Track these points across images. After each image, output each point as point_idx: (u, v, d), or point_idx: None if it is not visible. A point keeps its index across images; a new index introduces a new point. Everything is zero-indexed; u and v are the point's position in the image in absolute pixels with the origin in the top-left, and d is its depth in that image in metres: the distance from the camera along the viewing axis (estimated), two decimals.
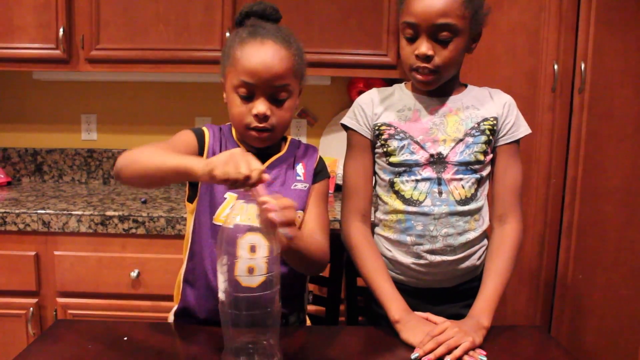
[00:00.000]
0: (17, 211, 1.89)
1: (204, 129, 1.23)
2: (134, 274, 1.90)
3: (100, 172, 2.51)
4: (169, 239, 1.91)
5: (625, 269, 2.01)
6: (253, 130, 1.15)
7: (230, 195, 1.17)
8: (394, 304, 1.19)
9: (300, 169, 1.24)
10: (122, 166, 1.07)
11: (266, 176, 0.92)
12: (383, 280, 1.23)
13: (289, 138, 1.29)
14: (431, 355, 1.04)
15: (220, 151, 1.19)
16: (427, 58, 1.18)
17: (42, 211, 1.90)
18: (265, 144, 1.19)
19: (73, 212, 1.90)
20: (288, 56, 1.14)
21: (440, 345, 1.06)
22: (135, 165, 1.06)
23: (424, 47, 1.17)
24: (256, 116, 1.13)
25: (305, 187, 1.23)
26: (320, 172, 1.28)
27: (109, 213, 1.90)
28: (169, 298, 1.32)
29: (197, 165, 0.95)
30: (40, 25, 2.08)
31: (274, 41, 1.13)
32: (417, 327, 1.13)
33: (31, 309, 1.91)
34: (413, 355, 1.05)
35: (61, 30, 2.07)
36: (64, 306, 1.93)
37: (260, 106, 1.12)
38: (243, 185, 0.91)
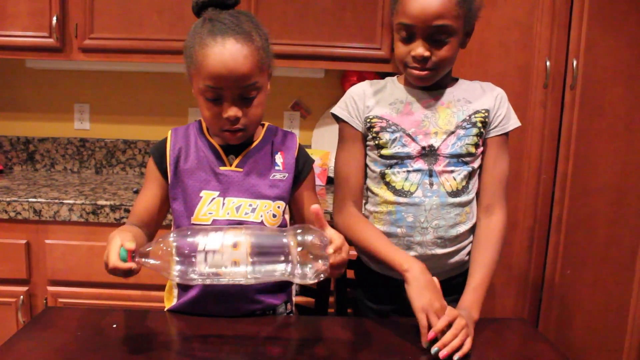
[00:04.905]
0: (8, 199, 1.89)
1: (168, 134, 1.23)
2: None
3: (92, 162, 2.51)
4: (160, 228, 1.90)
5: (613, 265, 2.03)
6: (227, 132, 1.13)
7: (205, 193, 1.17)
8: (400, 255, 1.17)
9: (278, 158, 1.21)
10: None
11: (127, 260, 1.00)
12: (385, 244, 1.22)
13: (266, 125, 1.26)
14: (444, 351, 1.02)
15: (190, 150, 1.20)
16: (423, 59, 1.18)
17: (34, 199, 1.89)
18: (240, 140, 1.17)
19: (65, 201, 1.89)
20: (252, 52, 1.08)
21: (455, 338, 1.04)
22: None
23: (420, 49, 1.17)
24: (227, 120, 1.10)
25: (284, 176, 1.20)
26: (305, 164, 1.24)
27: (101, 202, 1.90)
28: (159, 288, 1.33)
29: None
30: (33, 13, 2.07)
31: (235, 39, 1.07)
32: (426, 289, 1.10)
33: (21, 297, 1.91)
34: (433, 350, 1.03)
35: (54, 18, 2.06)
36: (54, 295, 1.94)
37: (230, 111, 1.09)
38: (123, 271, 0.99)
